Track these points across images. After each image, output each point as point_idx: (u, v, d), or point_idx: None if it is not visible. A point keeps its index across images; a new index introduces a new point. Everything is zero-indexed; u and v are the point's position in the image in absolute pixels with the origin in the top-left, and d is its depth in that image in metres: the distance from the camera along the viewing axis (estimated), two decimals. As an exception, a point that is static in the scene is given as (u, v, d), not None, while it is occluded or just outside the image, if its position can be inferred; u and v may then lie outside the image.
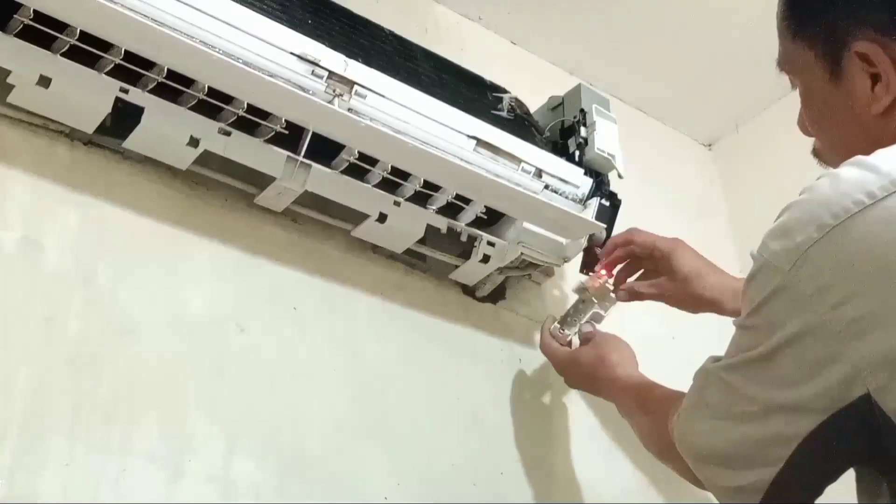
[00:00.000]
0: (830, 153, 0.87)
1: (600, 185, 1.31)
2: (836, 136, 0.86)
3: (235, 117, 1.06)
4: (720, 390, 0.80)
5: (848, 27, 0.80)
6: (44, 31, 0.96)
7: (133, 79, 1.02)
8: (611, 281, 1.27)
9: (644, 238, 1.26)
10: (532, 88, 1.47)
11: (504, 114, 1.32)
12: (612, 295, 1.26)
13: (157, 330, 1.02)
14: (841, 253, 0.70)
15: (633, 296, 1.26)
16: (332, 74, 1.09)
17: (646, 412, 1.06)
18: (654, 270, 1.26)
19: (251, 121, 1.07)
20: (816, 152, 0.91)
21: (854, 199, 0.70)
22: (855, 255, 0.69)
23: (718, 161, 1.90)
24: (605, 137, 1.32)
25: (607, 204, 1.30)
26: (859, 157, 0.73)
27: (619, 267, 1.29)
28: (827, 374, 0.71)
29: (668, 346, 1.47)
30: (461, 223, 1.23)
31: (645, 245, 1.25)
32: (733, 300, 1.18)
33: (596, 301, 1.26)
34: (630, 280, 1.29)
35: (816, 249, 0.70)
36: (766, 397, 0.75)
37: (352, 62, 1.11)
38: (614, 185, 1.35)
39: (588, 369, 1.19)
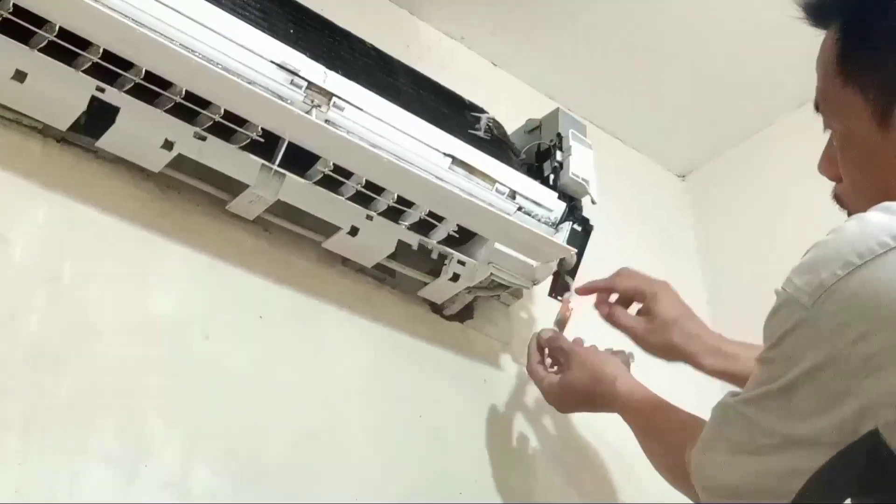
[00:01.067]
0: (859, 199, 0.87)
1: (573, 210, 1.31)
2: (871, 183, 0.86)
3: (212, 122, 1.05)
4: (739, 424, 0.81)
5: None
6: (22, 26, 0.95)
7: (110, 78, 1.01)
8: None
9: (627, 283, 1.26)
10: (511, 110, 1.48)
11: (481, 133, 1.32)
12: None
13: (120, 332, 1.01)
14: (863, 291, 0.72)
15: (610, 317, 1.25)
16: (311, 85, 1.09)
17: (661, 438, 1.06)
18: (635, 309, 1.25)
19: (227, 127, 1.06)
20: (838, 198, 0.92)
21: (879, 240, 0.72)
22: (876, 295, 0.71)
23: (691, 192, 1.91)
24: (580, 163, 1.32)
25: (579, 229, 1.31)
26: (887, 203, 0.75)
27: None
28: (841, 408, 0.73)
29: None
30: (433, 240, 1.23)
31: (627, 290, 1.25)
32: (706, 356, 1.18)
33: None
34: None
35: (840, 286, 0.73)
36: (785, 430, 0.77)
37: (331, 74, 1.11)
38: (587, 211, 1.36)
39: (584, 390, 1.17)
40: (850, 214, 0.90)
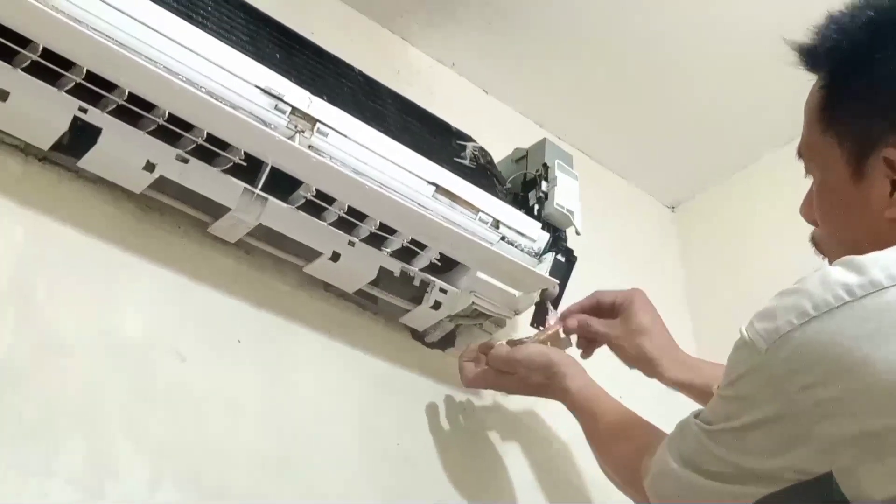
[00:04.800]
0: (832, 245, 0.90)
1: (557, 241, 1.31)
2: (843, 231, 0.89)
3: (194, 145, 1.05)
4: (697, 447, 0.85)
5: (882, 132, 0.84)
6: (6, 45, 0.95)
7: (93, 99, 1.01)
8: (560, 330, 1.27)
9: (607, 294, 1.28)
10: (500, 137, 1.48)
11: (466, 162, 1.32)
12: (562, 336, 1.26)
13: (91, 352, 1.01)
14: (815, 341, 0.75)
15: (583, 328, 1.26)
16: (295, 110, 1.09)
17: (623, 444, 1.07)
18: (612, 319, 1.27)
19: (210, 150, 1.06)
20: (815, 242, 0.95)
21: (835, 294, 0.75)
22: (826, 346, 0.74)
23: (680, 224, 1.91)
24: (565, 193, 1.32)
25: (563, 260, 1.31)
26: (850, 258, 0.78)
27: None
28: (796, 451, 0.76)
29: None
30: (415, 268, 1.22)
31: (604, 302, 1.27)
32: (671, 366, 1.20)
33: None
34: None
35: (793, 335, 0.76)
36: (739, 463, 0.80)
37: (316, 99, 1.11)
38: (576, 240, 1.35)
39: (537, 371, 1.18)
40: (825, 259, 0.92)
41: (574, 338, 1.28)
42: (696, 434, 0.84)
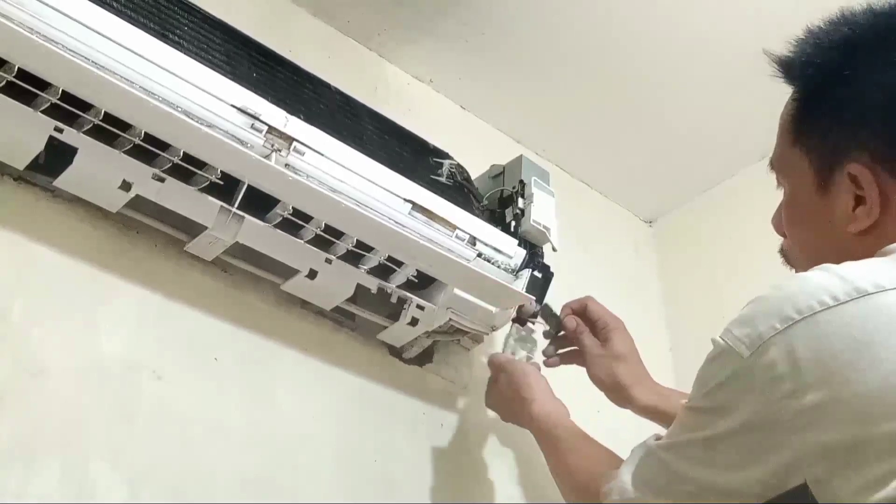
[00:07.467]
0: (800, 256, 0.91)
1: (533, 257, 1.32)
2: (810, 243, 0.90)
3: (170, 164, 1.05)
4: (657, 468, 0.85)
5: (847, 148, 0.85)
6: (-20, 66, 0.95)
7: (69, 119, 1.01)
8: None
9: (596, 307, 1.30)
10: (478, 154, 1.49)
11: (443, 179, 1.33)
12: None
13: (68, 373, 1.01)
14: (799, 347, 0.74)
15: (577, 332, 1.28)
16: (271, 129, 1.09)
17: (576, 468, 1.08)
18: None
19: (186, 169, 1.06)
20: (784, 252, 0.96)
21: (819, 299, 0.74)
22: (811, 351, 0.73)
23: (657, 238, 1.93)
24: (541, 210, 1.33)
25: (539, 276, 1.32)
26: (828, 265, 0.78)
27: None
28: (768, 462, 0.75)
29: (593, 418, 1.47)
30: (392, 285, 1.23)
31: (594, 312, 1.29)
32: (642, 392, 1.23)
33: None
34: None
35: (777, 339, 0.74)
36: (703, 479, 0.80)
37: (292, 118, 1.12)
38: (550, 257, 1.36)
39: (505, 401, 1.26)
40: (792, 269, 0.94)
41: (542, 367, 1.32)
42: (657, 454, 0.85)
